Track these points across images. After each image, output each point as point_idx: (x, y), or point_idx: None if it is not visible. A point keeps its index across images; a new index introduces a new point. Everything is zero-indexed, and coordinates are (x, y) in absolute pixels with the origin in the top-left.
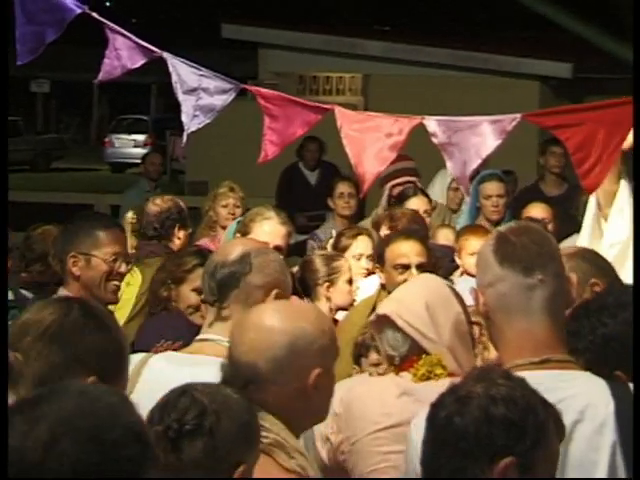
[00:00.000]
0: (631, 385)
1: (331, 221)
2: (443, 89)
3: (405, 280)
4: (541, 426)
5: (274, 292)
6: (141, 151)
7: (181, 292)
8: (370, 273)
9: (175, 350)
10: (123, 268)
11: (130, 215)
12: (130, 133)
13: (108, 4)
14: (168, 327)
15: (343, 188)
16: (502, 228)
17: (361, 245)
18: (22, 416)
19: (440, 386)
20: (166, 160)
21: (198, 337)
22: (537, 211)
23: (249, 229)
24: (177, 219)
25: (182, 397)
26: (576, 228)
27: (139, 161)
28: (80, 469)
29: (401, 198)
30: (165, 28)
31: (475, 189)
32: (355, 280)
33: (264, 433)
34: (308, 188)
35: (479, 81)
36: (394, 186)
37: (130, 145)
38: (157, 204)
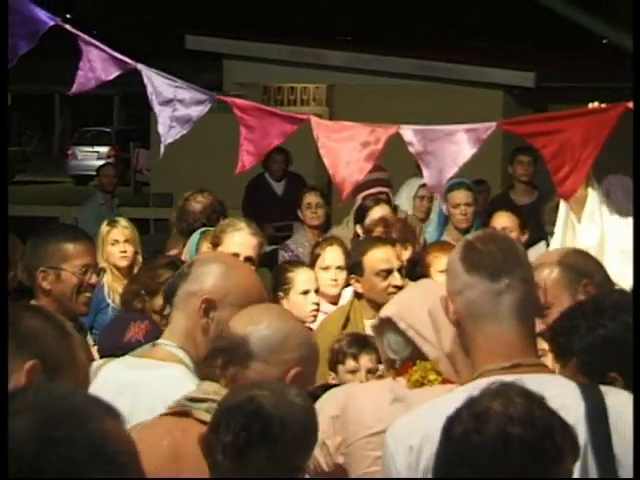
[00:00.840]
0: (611, 387)
1: (301, 232)
2: (407, 99)
3: (389, 285)
4: (558, 448)
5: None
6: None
7: (155, 304)
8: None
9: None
10: (94, 279)
11: (105, 227)
12: (93, 145)
13: (69, 16)
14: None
15: (311, 198)
16: (469, 236)
17: (329, 256)
18: (6, 418)
19: (432, 393)
20: (129, 172)
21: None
22: (503, 220)
23: (220, 240)
24: (220, 211)
25: (248, 404)
26: (544, 236)
27: None
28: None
29: (363, 209)
30: (127, 40)
31: (444, 198)
32: (326, 291)
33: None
34: (275, 199)
35: (443, 90)
36: (366, 197)
37: (93, 157)
38: (200, 201)
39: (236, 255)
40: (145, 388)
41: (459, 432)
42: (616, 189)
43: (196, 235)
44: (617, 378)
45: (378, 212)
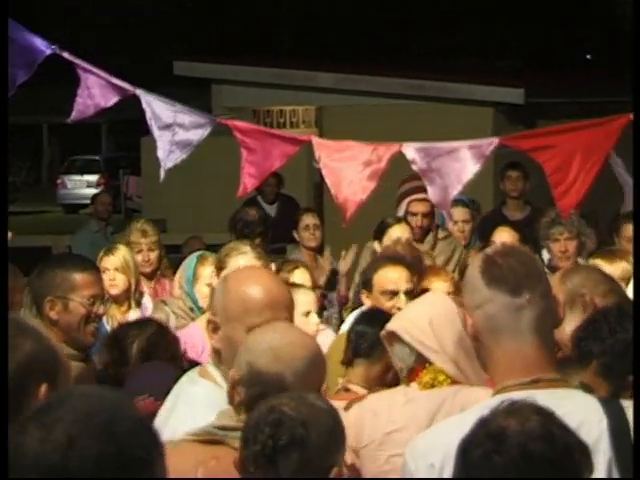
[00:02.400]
0: (630, 401)
1: (297, 253)
2: (397, 118)
3: (394, 307)
4: (577, 465)
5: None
6: (94, 191)
7: None
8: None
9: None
10: (101, 310)
11: (100, 254)
12: (82, 174)
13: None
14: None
15: (308, 220)
16: (488, 250)
17: (296, 279)
18: (37, 422)
19: (442, 392)
20: (119, 199)
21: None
22: (503, 235)
23: (225, 264)
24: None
25: (271, 414)
26: (538, 250)
27: None
28: (101, 461)
29: (382, 226)
30: (115, 67)
31: (441, 216)
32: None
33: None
34: (268, 221)
35: (433, 109)
36: (411, 201)
37: (83, 186)
38: (253, 213)
39: None
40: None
41: (478, 455)
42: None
43: (193, 259)
44: (631, 383)
45: (397, 231)
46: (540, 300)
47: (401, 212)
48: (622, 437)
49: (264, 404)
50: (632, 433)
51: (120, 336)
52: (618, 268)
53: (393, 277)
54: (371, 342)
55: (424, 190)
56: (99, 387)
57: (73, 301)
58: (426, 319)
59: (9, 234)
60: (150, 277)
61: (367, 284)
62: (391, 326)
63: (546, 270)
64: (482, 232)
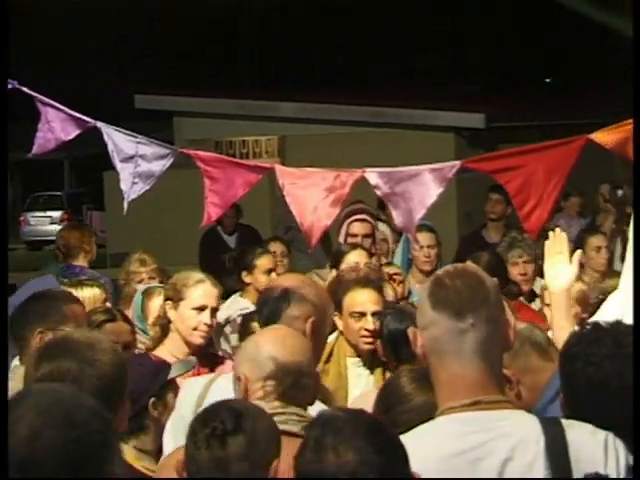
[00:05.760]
0: (573, 421)
1: None
2: (360, 146)
3: (361, 328)
4: None
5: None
6: (57, 227)
7: None
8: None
9: None
10: None
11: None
12: (45, 210)
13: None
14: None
15: (275, 247)
16: (440, 271)
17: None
18: (6, 418)
19: None
20: None
21: None
22: (353, 257)
23: (183, 295)
24: None
25: (221, 407)
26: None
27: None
28: (65, 448)
29: (337, 255)
30: (76, 101)
31: (406, 241)
32: None
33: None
34: (228, 252)
35: (395, 136)
36: (352, 221)
37: (46, 222)
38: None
39: (204, 307)
40: None
41: None
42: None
43: (139, 295)
44: None
45: (354, 257)
46: (485, 324)
47: (342, 236)
48: (559, 457)
49: (214, 403)
50: (571, 453)
51: None
52: (574, 291)
53: (361, 299)
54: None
55: (365, 212)
56: (55, 384)
57: (63, 332)
58: None
59: None
60: None
61: (337, 306)
62: None
63: None
64: (461, 254)
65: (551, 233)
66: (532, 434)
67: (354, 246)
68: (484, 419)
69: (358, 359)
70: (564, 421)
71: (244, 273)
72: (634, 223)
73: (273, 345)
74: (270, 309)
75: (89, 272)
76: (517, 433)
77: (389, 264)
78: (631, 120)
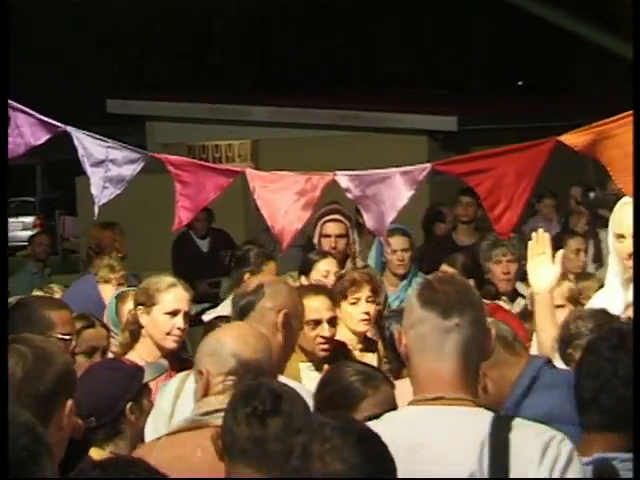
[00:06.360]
0: (526, 421)
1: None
2: (333, 149)
3: (317, 335)
4: None
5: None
6: (30, 233)
7: None
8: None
9: None
10: (76, 346)
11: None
12: (17, 216)
13: None
14: None
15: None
16: (430, 276)
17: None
18: (6, 418)
19: None
20: (56, 240)
21: None
22: (322, 265)
23: (155, 299)
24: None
25: (261, 387)
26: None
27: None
28: None
29: (307, 263)
30: (47, 106)
31: (379, 244)
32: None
33: None
34: (201, 256)
35: (368, 139)
36: (325, 222)
37: (18, 228)
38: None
39: (176, 312)
40: None
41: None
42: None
43: (112, 300)
44: None
45: (324, 265)
46: (469, 326)
47: (315, 236)
48: (499, 456)
49: (249, 382)
50: (511, 453)
51: None
52: (564, 289)
53: (315, 306)
54: None
55: (339, 212)
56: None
57: (51, 338)
58: None
59: None
60: None
61: None
62: None
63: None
64: (432, 256)
65: (534, 234)
66: (479, 432)
67: (324, 254)
68: (438, 413)
69: (310, 364)
70: (518, 421)
71: (247, 275)
72: (634, 225)
73: (235, 342)
74: (245, 301)
75: None
76: (465, 430)
77: (365, 267)
78: (600, 122)
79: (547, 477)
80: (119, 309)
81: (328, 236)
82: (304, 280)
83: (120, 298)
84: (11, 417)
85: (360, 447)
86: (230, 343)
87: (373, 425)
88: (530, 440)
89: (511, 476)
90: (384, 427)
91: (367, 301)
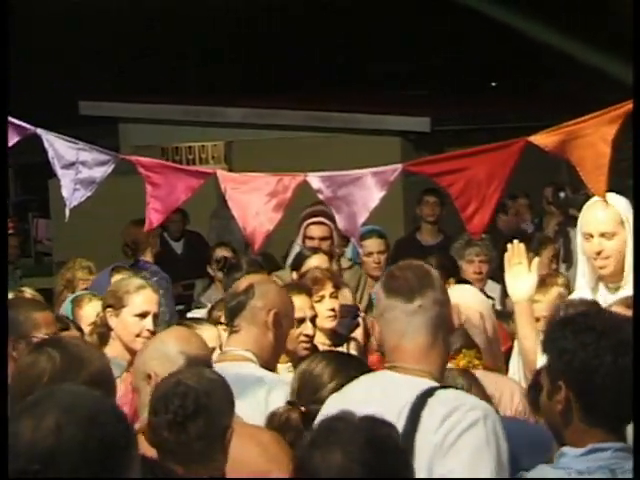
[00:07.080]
0: (452, 389)
1: (212, 288)
2: (306, 151)
3: (300, 334)
4: None
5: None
6: None
7: None
8: None
9: None
10: None
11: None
12: None
13: None
14: None
15: (221, 253)
16: (392, 266)
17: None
18: (28, 413)
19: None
20: (29, 243)
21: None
22: (313, 262)
23: (124, 301)
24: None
25: (178, 387)
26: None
27: None
28: (87, 445)
29: (298, 259)
30: (19, 108)
31: (353, 248)
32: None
33: None
34: (175, 258)
35: (341, 140)
36: (310, 223)
37: None
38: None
39: (146, 313)
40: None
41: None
42: None
43: (67, 304)
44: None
45: (315, 261)
46: (431, 306)
47: (299, 238)
48: (411, 413)
49: (169, 378)
50: (425, 412)
51: None
52: (554, 295)
53: (298, 305)
54: None
55: (323, 214)
56: (81, 387)
57: (37, 338)
58: (479, 308)
59: None
60: None
61: None
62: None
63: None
64: (396, 258)
65: (509, 245)
66: (411, 395)
67: (315, 250)
68: (383, 378)
69: (289, 364)
70: (448, 390)
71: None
72: (634, 223)
73: (179, 342)
74: (235, 301)
75: (154, 268)
76: (390, 390)
77: (351, 267)
78: (570, 122)
79: (441, 440)
80: (75, 313)
81: (312, 238)
82: (295, 275)
83: (76, 301)
84: (99, 404)
85: (370, 447)
86: (174, 343)
87: (351, 387)
88: (440, 405)
89: (418, 435)
90: (352, 386)
91: (331, 297)
